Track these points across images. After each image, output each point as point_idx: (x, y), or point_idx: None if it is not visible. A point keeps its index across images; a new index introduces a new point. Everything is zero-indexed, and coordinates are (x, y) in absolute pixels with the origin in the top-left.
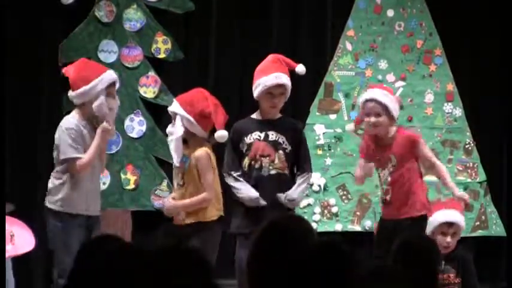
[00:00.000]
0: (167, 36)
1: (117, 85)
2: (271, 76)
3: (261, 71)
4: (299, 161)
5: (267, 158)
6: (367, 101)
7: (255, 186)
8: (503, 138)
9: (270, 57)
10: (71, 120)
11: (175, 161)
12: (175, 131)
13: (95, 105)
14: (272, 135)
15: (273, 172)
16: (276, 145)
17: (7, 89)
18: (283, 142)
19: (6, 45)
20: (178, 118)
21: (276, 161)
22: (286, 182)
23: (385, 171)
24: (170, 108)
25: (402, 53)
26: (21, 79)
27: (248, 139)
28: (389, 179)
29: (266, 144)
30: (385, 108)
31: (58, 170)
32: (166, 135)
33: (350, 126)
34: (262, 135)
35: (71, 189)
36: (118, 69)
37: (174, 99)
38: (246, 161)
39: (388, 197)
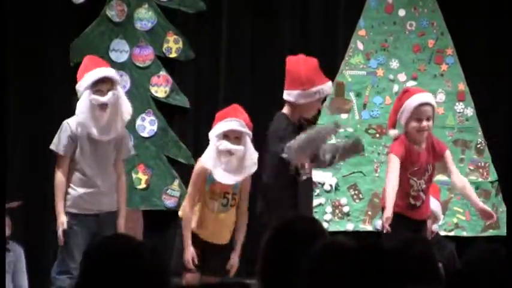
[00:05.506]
0: (178, 36)
1: (121, 83)
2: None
3: (302, 79)
4: None
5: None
6: (421, 104)
7: (298, 191)
8: None
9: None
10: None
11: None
12: (251, 148)
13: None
14: None
15: (305, 177)
16: None
17: (18, 88)
18: None
19: (16, 45)
20: (248, 137)
21: (307, 166)
22: (312, 186)
23: (421, 181)
24: (241, 129)
25: (414, 52)
26: (32, 79)
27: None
28: (423, 186)
29: None
30: (433, 112)
31: None
32: (178, 135)
33: (395, 132)
34: None
35: (70, 188)
36: (129, 69)
37: (239, 120)
38: (293, 166)
39: (418, 203)
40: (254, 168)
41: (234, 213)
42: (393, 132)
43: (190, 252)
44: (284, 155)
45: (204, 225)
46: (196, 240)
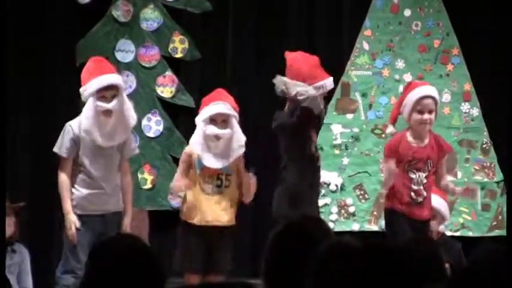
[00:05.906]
0: (184, 36)
1: (127, 83)
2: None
3: (304, 75)
4: None
5: (316, 148)
6: (423, 97)
7: (311, 169)
8: None
9: (309, 63)
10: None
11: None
12: (238, 131)
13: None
14: None
15: (313, 151)
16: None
17: (18, 89)
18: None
19: (17, 45)
20: (234, 120)
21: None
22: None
23: (421, 174)
24: (228, 112)
25: (419, 52)
26: (37, 79)
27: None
28: (424, 181)
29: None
30: (436, 105)
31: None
32: (183, 135)
33: (391, 129)
34: None
35: (74, 189)
36: (135, 69)
37: (225, 103)
38: (312, 146)
39: (420, 199)
40: (241, 151)
41: (230, 196)
42: (389, 130)
43: (185, 182)
44: (300, 98)
45: (201, 210)
46: (198, 234)
